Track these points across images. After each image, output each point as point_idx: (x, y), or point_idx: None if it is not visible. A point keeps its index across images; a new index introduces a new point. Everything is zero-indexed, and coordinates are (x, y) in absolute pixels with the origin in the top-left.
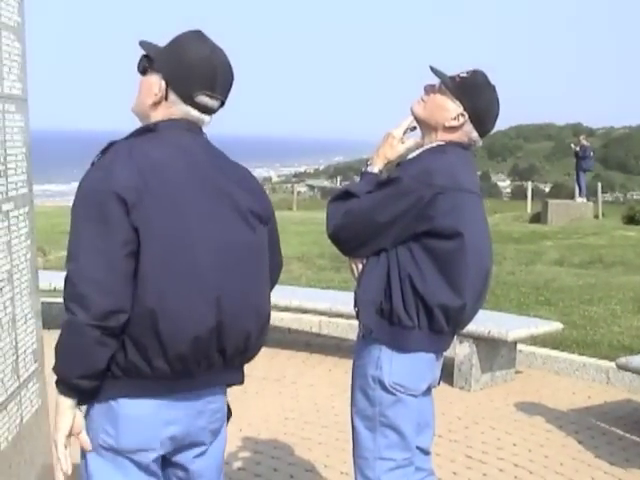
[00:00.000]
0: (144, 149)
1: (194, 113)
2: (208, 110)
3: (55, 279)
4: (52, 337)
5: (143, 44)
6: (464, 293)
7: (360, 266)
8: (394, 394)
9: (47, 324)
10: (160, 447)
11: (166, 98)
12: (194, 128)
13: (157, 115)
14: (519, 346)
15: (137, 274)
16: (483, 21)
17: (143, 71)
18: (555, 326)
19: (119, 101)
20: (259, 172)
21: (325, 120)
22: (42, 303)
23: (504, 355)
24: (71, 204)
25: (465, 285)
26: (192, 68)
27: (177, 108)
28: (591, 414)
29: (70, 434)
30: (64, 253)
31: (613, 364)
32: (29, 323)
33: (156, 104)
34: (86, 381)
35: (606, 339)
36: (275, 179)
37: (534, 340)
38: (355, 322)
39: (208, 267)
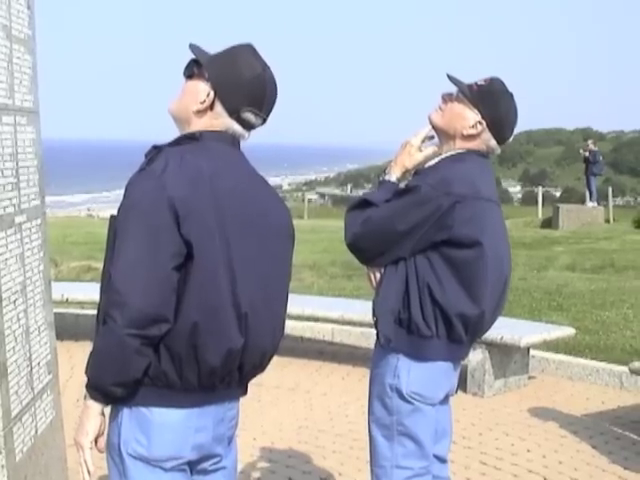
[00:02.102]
0: (194, 160)
1: (237, 128)
2: (250, 126)
3: (67, 290)
4: (65, 348)
5: (193, 48)
6: (483, 302)
7: (378, 275)
8: (412, 403)
9: (59, 335)
10: (189, 454)
11: (212, 108)
12: (235, 142)
13: (199, 123)
14: (532, 352)
15: (184, 286)
16: (492, 26)
17: (190, 75)
18: (568, 331)
19: (128, 110)
20: (270, 180)
21: (335, 127)
22: (54, 314)
23: (517, 361)
24: (81, 209)
25: (484, 294)
26: (243, 84)
27: (221, 120)
28: (605, 419)
29: (95, 439)
30: (75, 264)
31: (626, 369)
32: (42, 335)
33: (200, 112)
34: (120, 389)
35: (619, 344)
36: (285, 187)
37: (547, 346)
38: (368, 330)
39: (242, 284)
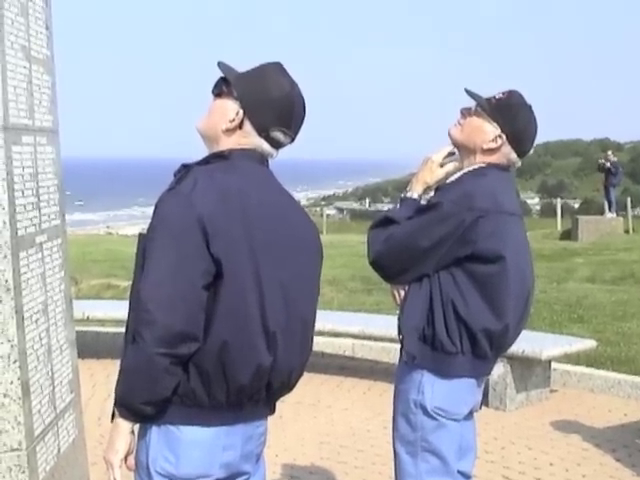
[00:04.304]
0: (223, 178)
1: (266, 146)
2: (279, 145)
3: (88, 308)
4: (85, 366)
5: (222, 66)
6: (506, 316)
7: (402, 292)
8: (436, 419)
9: (80, 353)
10: (218, 472)
11: (240, 127)
12: (264, 161)
13: (228, 142)
14: (553, 364)
15: (213, 305)
16: (508, 39)
17: (218, 94)
18: (589, 344)
19: (146, 128)
20: None
21: (353, 142)
22: (75, 332)
23: (538, 374)
24: (99, 228)
25: (508, 308)
26: (273, 103)
27: (250, 139)
28: (628, 431)
29: (125, 456)
30: (95, 282)
31: None
32: (64, 354)
33: (229, 131)
34: (150, 407)
35: None
36: (304, 202)
37: (568, 358)
38: (389, 344)
39: (271, 303)
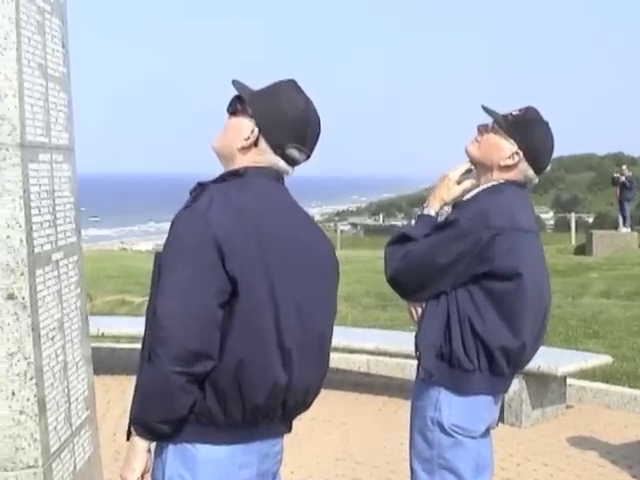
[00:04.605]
0: (238, 196)
1: (281, 164)
2: (295, 162)
3: (103, 324)
4: (100, 382)
5: (236, 84)
6: (524, 334)
7: (419, 310)
8: (453, 436)
9: (95, 370)
10: None
11: (256, 144)
12: (280, 178)
13: (244, 160)
14: (569, 380)
15: (228, 323)
16: (521, 55)
17: (233, 112)
18: (605, 359)
19: (160, 144)
20: None
21: (365, 158)
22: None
23: (554, 390)
24: (117, 244)
25: (525, 326)
26: (287, 121)
27: (266, 157)
28: None
29: (141, 475)
30: (110, 298)
31: None
32: (80, 370)
33: (245, 149)
34: (165, 426)
35: None
36: (318, 218)
37: (584, 374)
38: (403, 360)
39: (287, 321)
